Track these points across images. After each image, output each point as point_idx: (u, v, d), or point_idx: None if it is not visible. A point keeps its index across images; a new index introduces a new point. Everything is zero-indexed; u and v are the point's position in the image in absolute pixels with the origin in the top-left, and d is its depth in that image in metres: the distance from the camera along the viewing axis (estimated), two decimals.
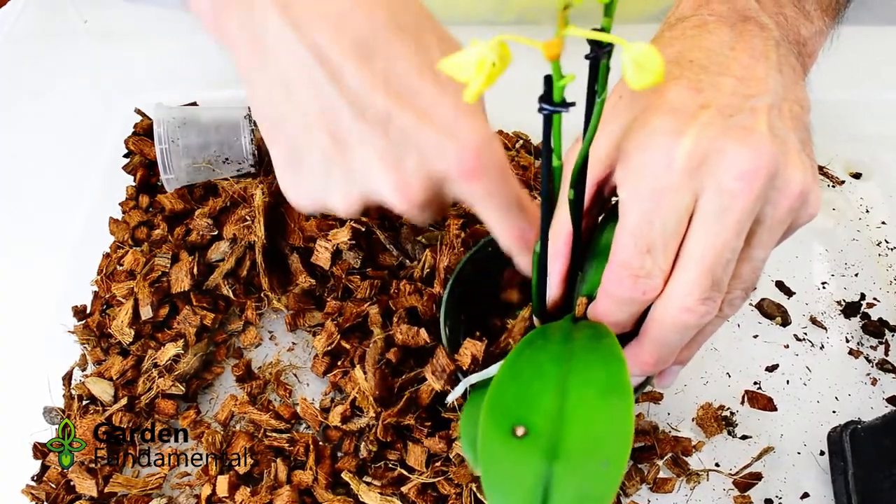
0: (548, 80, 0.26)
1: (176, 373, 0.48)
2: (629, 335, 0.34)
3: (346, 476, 0.43)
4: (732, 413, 0.48)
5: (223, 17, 0.34)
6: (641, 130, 0.31)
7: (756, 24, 0.34)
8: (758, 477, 0.45)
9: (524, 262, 0.36)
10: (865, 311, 0.54)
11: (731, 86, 0.32)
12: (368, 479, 0.43)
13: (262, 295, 0.52)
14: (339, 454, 0.45)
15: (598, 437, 0.27)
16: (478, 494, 0.41)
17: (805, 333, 0.53)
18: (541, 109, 0.27)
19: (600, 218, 0.37)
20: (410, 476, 0.42)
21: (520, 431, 0.28)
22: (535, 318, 0.38)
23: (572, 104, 0.26)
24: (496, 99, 0.64)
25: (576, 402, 0.28)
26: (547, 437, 0.27)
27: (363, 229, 0.51)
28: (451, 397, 0.38)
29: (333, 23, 0.32)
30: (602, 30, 0.25)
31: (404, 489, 0.42)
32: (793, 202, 0.30)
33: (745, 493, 0.45)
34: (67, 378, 0.49)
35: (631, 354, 0.34)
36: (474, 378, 0.37)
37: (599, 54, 0.26)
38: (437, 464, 0.43)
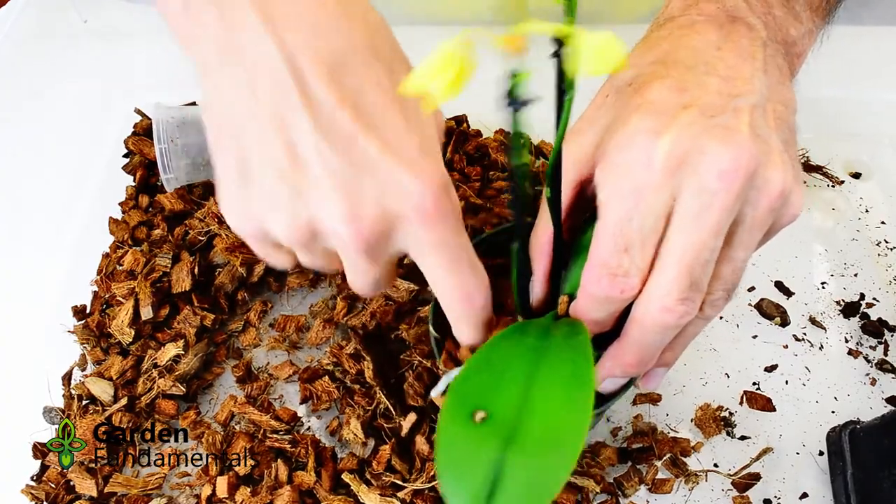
0: (512, 76, 0.26)
1: (176, 373, 0.48)
2: (613, 335, 0.34)
3: (346, 477, 0.43)
4: (731, 413, 0.48)
5: (193, 14, 0.32)
6: (622, 129, 0.31)
7: (744, 24, 0.34)
8: (756, 477, 0.45)
9: (466, 331, 0.34)
10: (865, 311, 0.54)
11: (715, 85, 0.31)
12: (369, 479, 0.43)
13: (265, 300, 0.52)
14: (341, 455, 0.45)
15: (554, 428, 0.27)
16: None
17: (804, 333, 0.53)
18: (509, 104, 0.27)
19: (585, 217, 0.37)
20: (406, 485, 0.42)
21: (479, 416, 0.28)
22: (519, 315, 0.38)
23: (531, 101, 0.27)
24: (496, 98, 0.64)
25: (539, 394, 0.29)
26: (506, 426, 0.28)
27: None
28: (434, 392, 0.38)
29: (311, 32, 0.30)
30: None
31: (401, 494, 0.42)
32: (773, 202, 0.30)
33: (744, 494, 0.45)
34: (67, 378, 0.49)
35: (613, 355, 0.34)
36: (455, 372, 0.37)
37: (561, 51, 0.26)
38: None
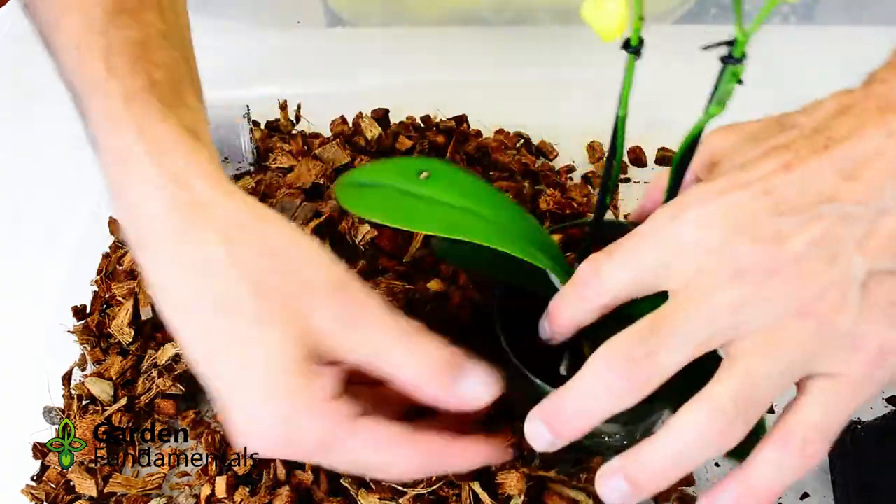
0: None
1: (176, 373, 0.48)
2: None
3: (344, 482, 0.43)
4: None
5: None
6: None
7: None
8: None
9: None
10: None
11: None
12: (368, 483, 0.43)
13: None
14: None
15: None
16: (478, 494, 0.41)
17: None
18: (628, 48, 0.30)
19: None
20: (406, 490, 0.42)
21: None
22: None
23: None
24: (496, 98, 0.64)
25: None
26: None
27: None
28: None
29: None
30: None
31: (402, 500, 0.42)
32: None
33: None
34: (67, 378, 0.49)
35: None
36: None
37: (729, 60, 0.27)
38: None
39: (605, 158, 0.33)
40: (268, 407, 0.31)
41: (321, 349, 0.32)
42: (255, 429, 0.31)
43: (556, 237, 0.43)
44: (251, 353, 0.31)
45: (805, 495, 0.45)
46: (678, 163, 0.32)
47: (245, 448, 0.32)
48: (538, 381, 0.35)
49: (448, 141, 0.59)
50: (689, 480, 0.45)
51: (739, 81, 0.28)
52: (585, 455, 0.45)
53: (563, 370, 0.37)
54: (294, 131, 0.62)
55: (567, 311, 0.33)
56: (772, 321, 0.28)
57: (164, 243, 0.32)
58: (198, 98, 0.37)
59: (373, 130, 0.59)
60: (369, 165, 0.40)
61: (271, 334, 0.31)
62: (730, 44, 0.27)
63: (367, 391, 0.35)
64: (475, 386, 0.32)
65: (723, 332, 0.29)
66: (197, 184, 0.33)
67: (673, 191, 0.34)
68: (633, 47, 0.29)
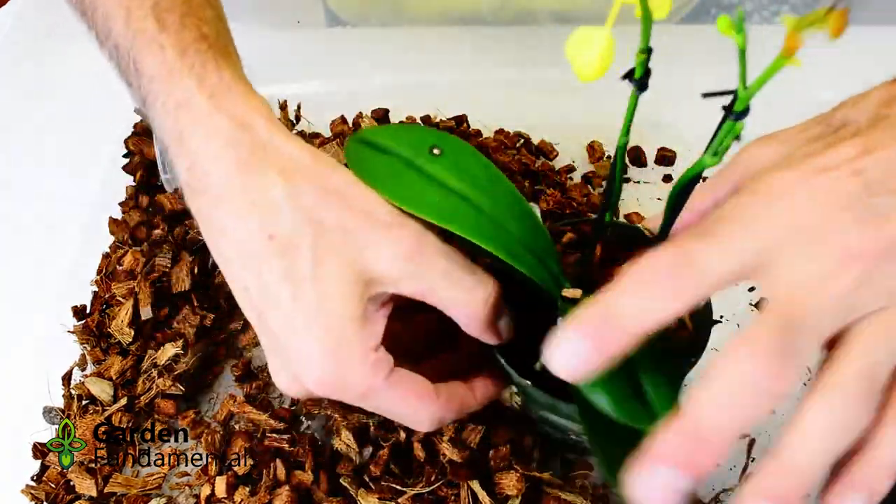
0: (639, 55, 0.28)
1: (176, 373, 0.48)
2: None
3: (344, 482, 0.43)
4: None
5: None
6: None
7: None
8: None
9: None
10: None
11: None
12: (367, 483, 0.43)
13: None
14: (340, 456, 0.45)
15: None
16: (476, 494, 0.41)
17: None
18: (633, 83, 0.29)
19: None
20: (405, 490, 0.42)
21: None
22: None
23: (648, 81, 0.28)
24: (496, 98, 0.64)
25: None
26: None
27: None
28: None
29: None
30: None
31: (401, 500, 0.42)
32: None
33: None
34: (67, 378, 0.49)
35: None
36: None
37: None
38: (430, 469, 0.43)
39: (605, 182, 0.33)
40: (323, 352, 0.32)
41: (377, 285, 0.33)
42: (309, 371, 0.33)
43: (568, 236, 0.42)
44: (308, 294, 0.32)
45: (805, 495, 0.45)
46: (673, 202, 0.32)
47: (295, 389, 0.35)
48: (515, 375, 0.36)
49: None
50: None
51: (737, 138, 0.27)
52: (579, 456, 0.45)
53: (538, 367, 0.35)
54: (294, 131, 0.62)
55: (644, 314, 0.27)
56: (885, 300, 0.28)
57: (227, 184, 0.34)
58: (237, 54, 0.39)
59: None
60: (388, 127, 0.40)
61: (329, 275, 0.32)
62: (732, 92, 0.26)
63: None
64: (507, 325, 0.36)
65: (843, 317, 0.28)
66: (257, 126, 0.34)
67: (665, 230, 0.33)
68: (637, 80, 0.28)
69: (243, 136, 0.34)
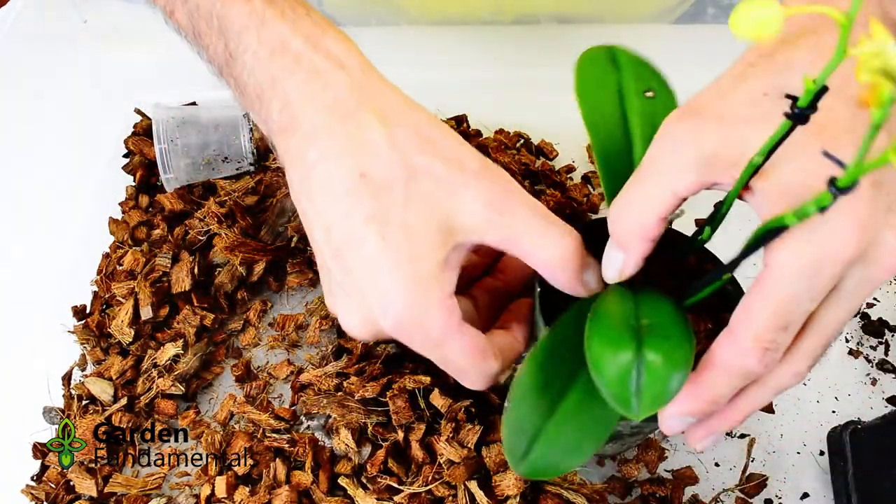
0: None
1: (176, 373, 0.48)
2: None
3: (342, 481, 0.43)
4: None
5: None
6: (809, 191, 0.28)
7: None
8: (762, 485, 0.45)
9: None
10: (865, 310, 0.54)
11: None
12: (365, 482, 0.43)
13: (265, 298, 0.52)
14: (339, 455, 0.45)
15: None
16: (473, 494, 0.41)
17: None
18: (792, 115, 0.26)
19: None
20: (402, 488, 0.42)
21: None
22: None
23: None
24: (496, 98, 0.64)
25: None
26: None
27: None
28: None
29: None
30: None
31: (397, 498, 0.42)
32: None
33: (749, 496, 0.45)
34: (67, 378, 0.49)
35: (687, 392, 0.31)
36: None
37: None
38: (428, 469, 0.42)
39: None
40: (407, 292, 0.33)
41: (462, 234, 0.34)
42: (390, 312, 0.33)
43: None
44: (397, 236, 0.33)
45: (805, 495, 0.45)
46: (752, 244, 0.30)
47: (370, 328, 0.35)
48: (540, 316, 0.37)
49: None
50: (693, 479, 0.45)
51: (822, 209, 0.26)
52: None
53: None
54: None
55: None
56: None
57: (323, 122, 0.34)
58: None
59: None
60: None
61: (418, 219, 0.33)
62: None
63: None
64: (593, 276, 0.36)
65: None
66: (353, 66, 0.36)
67: (737, 262, 0.32)
68: (799, 111, 0.26)
69: (340, 76, 0.35)
